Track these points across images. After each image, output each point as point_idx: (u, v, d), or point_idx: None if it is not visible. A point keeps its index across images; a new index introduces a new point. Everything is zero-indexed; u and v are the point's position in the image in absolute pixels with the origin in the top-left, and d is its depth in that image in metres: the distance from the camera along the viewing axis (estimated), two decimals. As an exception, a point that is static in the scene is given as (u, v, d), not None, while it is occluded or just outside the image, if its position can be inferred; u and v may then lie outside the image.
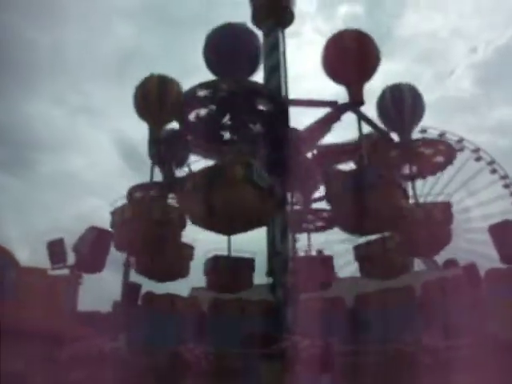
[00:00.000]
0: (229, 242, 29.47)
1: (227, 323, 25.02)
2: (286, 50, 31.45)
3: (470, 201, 49.70)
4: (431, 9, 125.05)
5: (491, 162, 49.02)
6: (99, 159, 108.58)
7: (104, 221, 27.89)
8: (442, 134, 46.50)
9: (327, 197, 28.31)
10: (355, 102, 28.61)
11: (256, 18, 31.57)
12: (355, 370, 19.36)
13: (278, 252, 25.81)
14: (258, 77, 30.76)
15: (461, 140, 47.56)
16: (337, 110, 29.49)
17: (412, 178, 31.51)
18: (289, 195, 31.02)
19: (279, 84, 29.70)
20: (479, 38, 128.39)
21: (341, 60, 28.65)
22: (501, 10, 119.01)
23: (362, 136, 28.70)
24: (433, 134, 44.91)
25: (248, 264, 29.82)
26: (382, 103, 31.81)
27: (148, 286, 28.13)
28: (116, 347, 20.97)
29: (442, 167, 34.32)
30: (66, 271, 26.97)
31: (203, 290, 30.92)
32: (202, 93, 27.52)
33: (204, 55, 30.24)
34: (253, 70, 30.33)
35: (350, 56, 27.89)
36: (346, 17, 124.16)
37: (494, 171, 49.11)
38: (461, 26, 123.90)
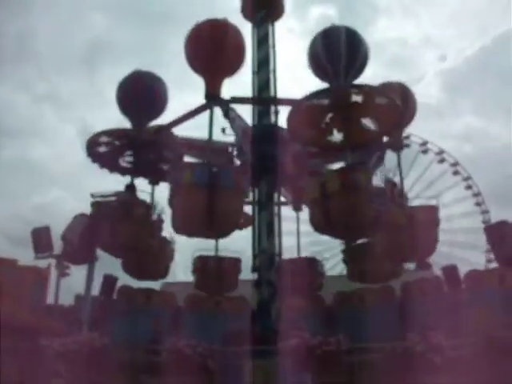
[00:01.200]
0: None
1: (203, 319, 24.56)
2: (275, 44, 29.21)
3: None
4: (403, 16, 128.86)
5: (467, 178, 49.42)
6: (63, 149, 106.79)
7: (65, 213, 28.70)
8: (424, 143, 47.54)
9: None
10: (208, 97, 27.81)
11: (246, 9, 30.05)
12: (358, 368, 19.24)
13: (263, 249, 24.82)
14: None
15: (441, 152, 48.17)
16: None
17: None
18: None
19: (268, 77, 28.06)
20: (449, 47, 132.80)
21: (196, 51, 27.97)
22: (472, 22, 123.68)
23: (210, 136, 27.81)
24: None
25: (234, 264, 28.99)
26: (314, 48, 27.02)
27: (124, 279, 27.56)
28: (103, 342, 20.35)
29: (406, 110, 27.08)
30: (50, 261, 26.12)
31: (175, 285, 30.51)
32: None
33: (116, 101, 30.16)
34: (159, 112, 30.26)
35: (203, 47, 27.27)
36: (319, 18, 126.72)
37: (468, 187, 49.44)
38: (432, 35, 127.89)
